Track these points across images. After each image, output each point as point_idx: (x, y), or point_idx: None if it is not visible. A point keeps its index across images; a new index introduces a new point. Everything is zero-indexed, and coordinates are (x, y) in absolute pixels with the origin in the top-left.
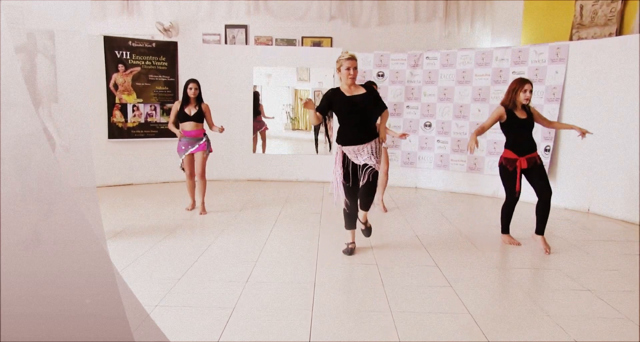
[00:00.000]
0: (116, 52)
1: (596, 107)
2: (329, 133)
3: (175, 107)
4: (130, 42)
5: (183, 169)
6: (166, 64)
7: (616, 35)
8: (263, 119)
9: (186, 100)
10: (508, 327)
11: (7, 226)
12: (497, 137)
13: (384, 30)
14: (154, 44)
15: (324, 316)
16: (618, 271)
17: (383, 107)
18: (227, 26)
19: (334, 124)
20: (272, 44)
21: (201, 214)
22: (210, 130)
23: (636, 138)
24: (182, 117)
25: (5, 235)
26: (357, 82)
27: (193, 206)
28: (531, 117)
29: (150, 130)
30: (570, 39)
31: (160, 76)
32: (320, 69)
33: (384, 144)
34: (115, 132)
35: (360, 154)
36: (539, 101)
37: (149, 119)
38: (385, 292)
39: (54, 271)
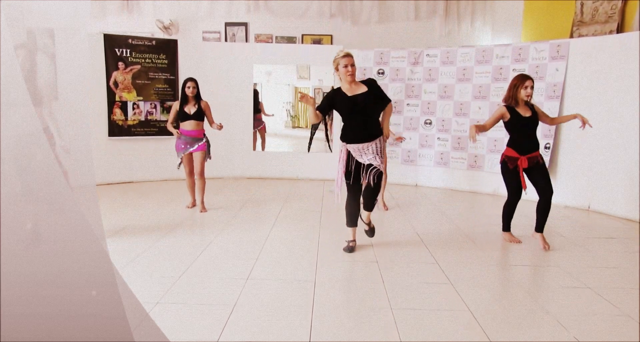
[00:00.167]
0: (116, 50)
1: (597, 104)
2: (329, 132)
3: (175, 106)
4: (130, 40)
5: (179, 167)
6: (166, 61)
7: (617, 32)
8: (263, 117)
9: (185, 99)
10: (508, 325)
11: (7, 225)
12: (497, 135)
13: (384, 28)
14: (154, 42)
15: (324, 314)
16: (618, 269)
17: (387, 101)
18: (227, 24)
19: (334, 123)
20: (272, 42)
21: (201, 212)
22: (210, 127)
23: (637, 135)
24: (182, 116)
25: (5, 235)
26: (357, 79)
27: (193, 204)
28: (536, 116)
29: (151, 128)
30: (571, 36)
31: (160, 74)
32: (321, 67)
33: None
34: (116, 130)
35: (365, 153)
36: (539, 99)
37: (149, 117)
38: (386, 290)
39: (54, 271)
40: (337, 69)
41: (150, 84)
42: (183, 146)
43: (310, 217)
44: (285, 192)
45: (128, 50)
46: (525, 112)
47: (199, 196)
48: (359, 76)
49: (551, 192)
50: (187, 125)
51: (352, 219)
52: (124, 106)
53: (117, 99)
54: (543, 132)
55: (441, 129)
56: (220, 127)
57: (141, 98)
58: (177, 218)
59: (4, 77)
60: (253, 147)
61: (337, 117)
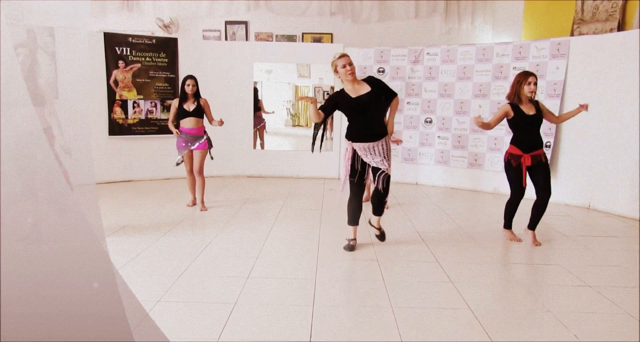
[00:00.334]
0: (116, 48)
1: (597, 102)
2: (327, 132)
3: (174, 104)
4: (130, 39)
5: (178, 164)
6: (166, 60)
7: (617, 30)
8: (263, 115)
9: (184, 97)
10: (508, 323)
11: (7, 225)
12: (497, 134)
13: (385, 27)
14: (154, 40)
15: (324, 313)
16: (619, 267)
17: (392, 95)
18: (227, 22)
19: (334, 123)
20: (272, 40)
21: (201, 210)
22: (210, 124)
23: (637, 134)
24: (181, 113)
25: (5, 234)
26: (358, 78)
27: (194, 202)
28: (540, 114)
29: (151, 126)
30: (571, 34)
31: (160, 72)
32: (321, 66)
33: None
34: (116, 128)
35: (371, 154)
36: (540, 97)
37: (149, 116)
38: (386, 289)
39: (54, 271)
40: (336, 71)
41: (150, 83)
42: (184, 144)
43: (310, 216)
44: (285, 190)
45: (128, 49)
46: (529, 110)
47: (199, 194)
48: (360, 75)
49: (549, 194)
50: (187, 123)
51: (353, 217)
52: (124, 105)
53: (117, 97)
54: (544, 131)
55: (441, 127)
56: (221, 122)
57: (141, 97)
58: (177, 217)
59: (4, 77)
60: (253, 145)
61: (337, 116)
